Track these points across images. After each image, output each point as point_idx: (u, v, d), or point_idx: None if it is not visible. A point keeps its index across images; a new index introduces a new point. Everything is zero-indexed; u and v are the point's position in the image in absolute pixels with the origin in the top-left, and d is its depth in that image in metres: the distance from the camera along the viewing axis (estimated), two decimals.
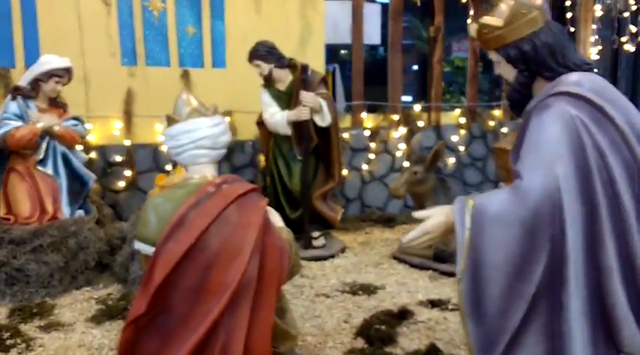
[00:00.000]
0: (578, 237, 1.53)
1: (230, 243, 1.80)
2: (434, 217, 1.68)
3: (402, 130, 5.16)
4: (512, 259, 1.55)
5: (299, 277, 3.71)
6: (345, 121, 5.13)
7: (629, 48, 4.81)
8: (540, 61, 1.66)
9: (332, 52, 7.37)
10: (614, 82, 8.71)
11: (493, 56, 1.75)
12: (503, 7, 1.70)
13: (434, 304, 3.30)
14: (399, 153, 5.19)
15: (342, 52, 8.54)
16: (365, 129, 5.13)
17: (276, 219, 2.05)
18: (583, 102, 1.57)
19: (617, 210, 1.56)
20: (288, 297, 2.78)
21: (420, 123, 5.16)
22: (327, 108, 4.01)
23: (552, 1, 5.20)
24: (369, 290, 3.54)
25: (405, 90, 5.56)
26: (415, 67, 10.22)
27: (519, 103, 1.75)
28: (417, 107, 5.21)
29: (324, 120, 4.02)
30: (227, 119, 4.44)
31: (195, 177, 1.94)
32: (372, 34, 5.41)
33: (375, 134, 5.10)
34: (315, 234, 4.26)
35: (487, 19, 1.71)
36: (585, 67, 1.67)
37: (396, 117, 5.16)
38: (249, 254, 1.80)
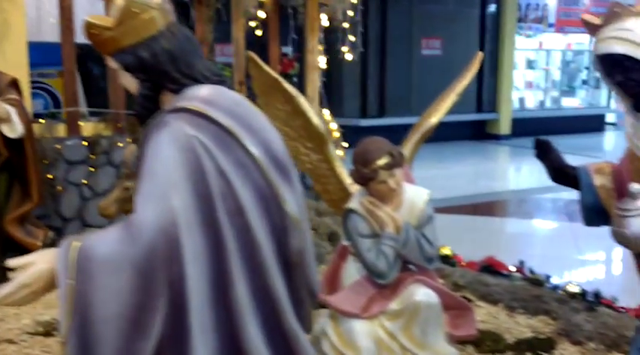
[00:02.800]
0: (201, 277, 1.30)
1: None
2: (35, 265, 1.31)
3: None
4: (126, 311, 1.26)
5: None
6: (59, 130, 4.53)
7: (349, 57, 5.05)
8: (161, 71, 1.40)
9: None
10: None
11: (111, 63, 1.44)
12: (117, 4, 1.40)
13: None
14: None
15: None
16: (83, 138, 4.58)
17: None
18: (204, 120, 1.34)
19: (249, 244, 1.36)
20: None
21: None
22: (16, 117, 3.40)
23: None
24: None
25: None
26: None
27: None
28: None
29: (13, 130, 3.41)
30: None
31: None
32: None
33: (95, 144, 4.58)
34: None
35: (94, 18, 1.39)
36: (215, 79, 1.44)
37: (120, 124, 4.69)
38: None
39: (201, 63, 1.43)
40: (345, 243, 2.70)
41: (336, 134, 5.08)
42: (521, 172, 11.51)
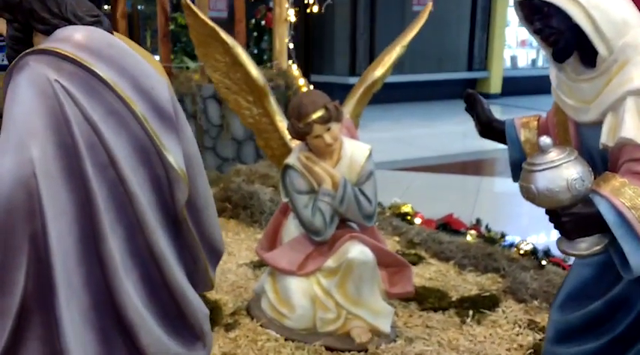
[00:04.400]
0: (66, 232, 1.24)
1: None
2: None
3: None
4: None
5: None
6: None
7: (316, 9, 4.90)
8: (27, 9, 1.30)
9: None
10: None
11: None
12: None
13: None
14: None
15: None
16: None
17: None
18: (70, 64, 1.25)
19: (123, 198, 1.29)
20: None
21: None
22: None
23: None
24: None
25: None
26: None
27: None
28: None
29: None
30: None
31: None
32: None
33: None
34: None
35: None
36: (90, 19, 1.35)
37: None
38: None
39: (74, 1, 1.33)
40: (284, 199, 2.66)
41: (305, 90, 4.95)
42: None
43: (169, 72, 4.83)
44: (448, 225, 3.77)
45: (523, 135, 1.92)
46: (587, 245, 1.49)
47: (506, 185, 6.61)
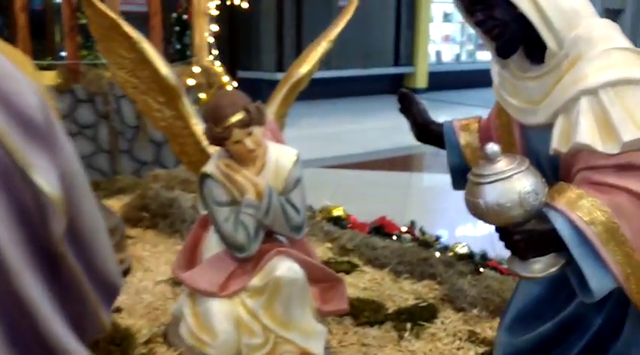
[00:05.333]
0: None
1: None
2: None
3: None
4: None
5: None
6: None
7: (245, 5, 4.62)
8: None
9: None
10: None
11: None
12: None
13: None
14: None
15: None
16: None
17: None
18: None
19: None
20: None
21: None
22: None
23: None
24: None
25: None
26: None
27: None
28: None
29: None
30: None
31: None
32: None
33: None
34: None
35: None
36: None
37: None
38: None
39: None
40: (202, 211, 2.38)
41: (229, 88, 4.67)
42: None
43: (76, 69, 4.41)
44: (381, 229, 3.60)
45: (463, 138, 1.74)
46: (542, 266, 1.32)
47: (435, 179, 6.59)
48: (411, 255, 3.18)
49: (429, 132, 1.78)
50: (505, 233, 1.32)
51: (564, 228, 1.27)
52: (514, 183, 1.27)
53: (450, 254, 3.18)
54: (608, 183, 1.28)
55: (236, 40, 11.57)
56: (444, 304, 2.78)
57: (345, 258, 3.32)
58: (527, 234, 1.29)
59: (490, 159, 1.31)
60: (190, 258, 2.45)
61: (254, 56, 12.00)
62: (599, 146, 1.27)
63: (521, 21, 1.37)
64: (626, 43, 1.35)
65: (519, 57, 1.48)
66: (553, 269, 1.31)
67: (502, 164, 1.30)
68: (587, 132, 1.28)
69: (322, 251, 3.43)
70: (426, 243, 3.33)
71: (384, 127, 10.17)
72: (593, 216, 1.26)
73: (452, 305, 2.77)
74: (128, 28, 2.28)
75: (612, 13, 7.89)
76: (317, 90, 11.76)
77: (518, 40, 1.42)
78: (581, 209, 1.27)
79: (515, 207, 1.26)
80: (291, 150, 2.35)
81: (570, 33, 1.35)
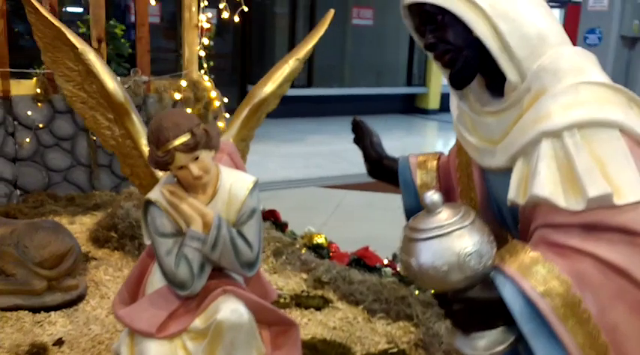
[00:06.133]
0: None
1: None
2: None
3: None
4: None
5: None
6: None
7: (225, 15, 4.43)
8: None
9: None
10: None
11: None
12: None
13: None
14: None
15: None
16: None
17: None
18: None
19: None
20: None
21: None
22: None
23: None
24: None
25: None
26: None
27: None
28: None
29: None
30: None
31: None
32: None
33: None
34: None
35: None
36: None
37: None
38: None
39: None
40: (147, 241, 2.17)
41: (217, 103, 4.48)
42: (448, 147, 11.32)
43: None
44: (362, 260, 3.36)
45: (419, 177, 1.52)
46: (487, 343, 1.08)
47: None
48: (388, 292, 2.94)
49: (382, 168, 1.56)
50: (443, 300, 1.09)
51: (513, 298, 1.04)
52: (453, 242, 1.04)
53: (430, 292, 2.93)
54: (570, 246, 1.05)
55: (249, 54, 11.48)
56: (417, 350, 2.53)
57: (319, 292, 3.09)
58: (469, 302, 1.06)
59: (429, 210, 1.09)
60: (134, 291, 2.23)
61: (266, 71, 11.89)
62: (561, 200, 1.04)
63: (478, 47, 1.15)
64: (600, 76, 1.12)
65: (479, 88, 1.27)
66: (500, 348, 1.07)
67: (442, 216, 1.07)
68: (546, 183, 1.05)
69: (296, 282, 3.21)
70: (406, 279, 3.08)
71: (391, 147, 9.91)
72: (550, 286, 1.03)
73: (426, 352, 2.51)
74: (74, 38, 2.09)
75: (628, 41, 7.58)
76: (328, 108, 11.68)
77: (474, 69, 1.19)
78: (535, 276, 1.04)
79: (453, 271, 1.03)
80: (249, 177, 2.13)
81: (534, 63, 1.12)
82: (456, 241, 1.03)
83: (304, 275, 3.31)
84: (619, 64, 7.98)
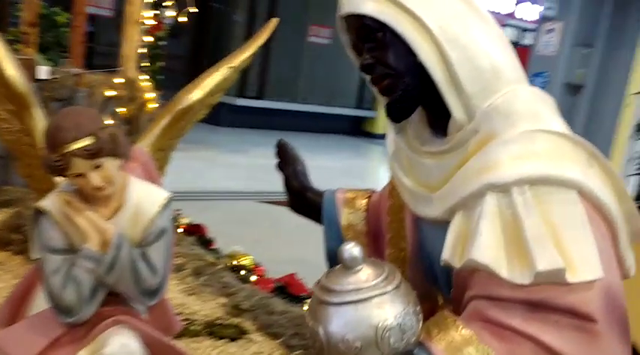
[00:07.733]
0: None
1: None
2: None
3: None
4: None
5: None
6: None
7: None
8: None
9: None
10: None
11: None
12: None
13: None
14: None
15: None
16: None
17: None
18: None
19: None
20: None
21: None
22: None
23: None
24: None
25: None
26: None
27: None
28: None
29: None
30: None
31: None
32: None
33: None
34: None
35: None
36: None
37: None
38: None
39: None
40: (35, 255, 1.89)
41: (152, 105, 4.20)
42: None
43: None
44: (286, 288, 3.15)
45: (344, 216, 1.32)
46: None
47: None
48: None
49: (305, 201, 1.36)
50: None
51: None
52: (372, 311, 0.84)
53: None
54: (510, 326, 0.87)
55: (202, 59, 11.21)
56: None
57: (236, 320, 2.84)
58: None
59: (346, 267, 0.89)
60: (15, 310, 1.94)
61: None
62: (504, 271, 0.86)
63: (421, 75, 0.97)
64: (558, 124, 0.96)
65: (419, 123, 1.08)
66: None
67: (361, 276, 0.88)
68: (488, 247, 0.87)
69: (212, 308, 2.95)
70: None
71: (334, 167, 9.83)
72: None
73: None
74: None
75: (572, 89, 7.76)
76: (278, 122, 11.49)
77: (415, 100, 1.02)
78: None
79: (368, 347, 0.84)
80: (161, 193, 1.88)
81: (485, 101, 0.95)
82: (374, 311, 0.84)
83: (223, 300, 3.05)
84: (561, 110, 8.23)
